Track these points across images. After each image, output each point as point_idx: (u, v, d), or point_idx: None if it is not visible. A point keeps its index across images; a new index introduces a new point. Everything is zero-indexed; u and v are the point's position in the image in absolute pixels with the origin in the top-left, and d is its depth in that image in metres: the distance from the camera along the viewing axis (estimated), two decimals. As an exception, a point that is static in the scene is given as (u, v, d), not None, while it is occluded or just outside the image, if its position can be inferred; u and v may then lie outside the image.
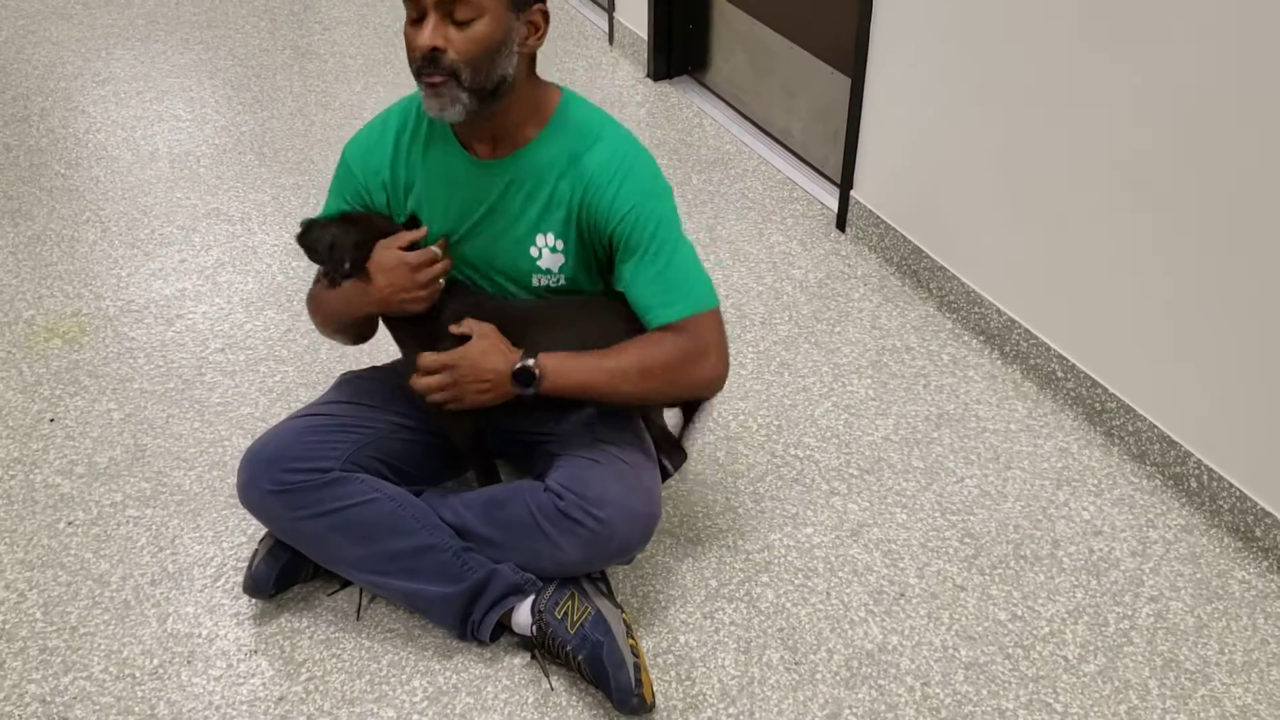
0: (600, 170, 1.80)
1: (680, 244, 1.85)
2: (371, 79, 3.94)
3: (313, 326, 2.07)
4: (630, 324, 1.84)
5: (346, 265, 1.80)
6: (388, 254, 1.81)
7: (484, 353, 1.79)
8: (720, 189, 3.29)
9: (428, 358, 1.81)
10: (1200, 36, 1.97)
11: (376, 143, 1.89)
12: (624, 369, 1.80)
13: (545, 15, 1.75)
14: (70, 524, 2.17)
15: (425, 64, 1.68)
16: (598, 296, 1.91)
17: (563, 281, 1.90)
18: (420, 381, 1.82)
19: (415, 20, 1.69)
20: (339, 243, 1.80)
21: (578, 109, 1.86)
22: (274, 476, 1.86)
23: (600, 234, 1.83)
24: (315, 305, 1.99)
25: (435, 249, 1.83)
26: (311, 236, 1.81)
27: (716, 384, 1.88)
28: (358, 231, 1.82)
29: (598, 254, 1.88)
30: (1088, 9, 2.17)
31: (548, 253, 1.87)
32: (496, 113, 1.77)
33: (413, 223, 1.87)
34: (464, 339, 1.81)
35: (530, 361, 1.77)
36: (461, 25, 1.67)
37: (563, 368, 1.78)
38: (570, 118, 1.84)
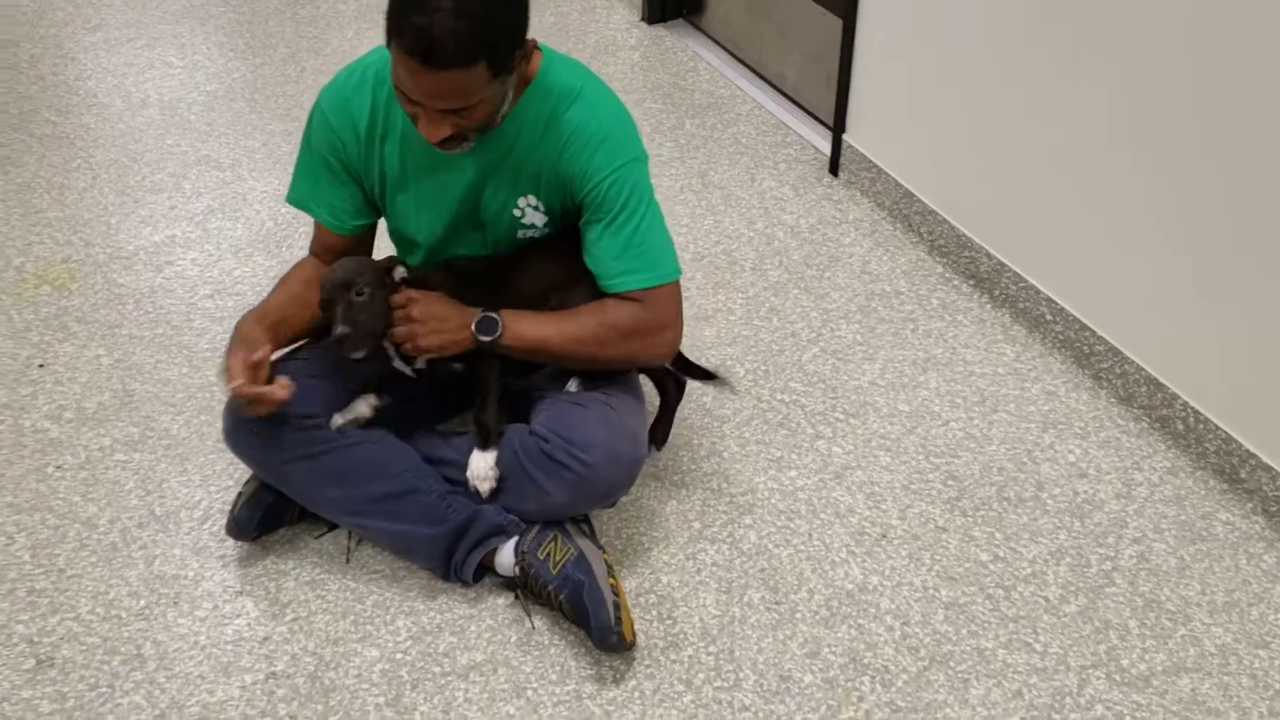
0: (577, 132, 1.79)
1: (650, 213, 1.84)
2: (364, 24, 3.90)
3: None
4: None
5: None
6: (234, 360, 1.75)
7: (439, 300, 1.81)
8: (713, 134, 3.26)
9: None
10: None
11: (355, 91, 1.85)
12: (581, 334, 1.83)
13: (534, 43, 1.72)
14: (59, 468, 2.19)
15: (439, 145, 1.69)
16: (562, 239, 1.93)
17: (549, 233, 1.91)
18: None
19: (409, 101, 1.66)
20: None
21: (559, 70, 1.83)
22: (258, 420, 1.86)
23: (574, 195, 1.84)
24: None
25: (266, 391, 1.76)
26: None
27: (668, 356, 1.93)
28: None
29: (571, 211, 1.88)
30: (1078, -55, 2.14)
31: (530, 211, 1.87)
32: None
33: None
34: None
35: (493, 313, 1.80)
36: (463, 113, 1.65)
37: (523, 323, 1.81)
38: (551, 81, 1.81)
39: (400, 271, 1.82)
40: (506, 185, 1.85)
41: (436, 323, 1.79)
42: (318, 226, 1.97)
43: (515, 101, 1.79)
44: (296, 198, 1.96)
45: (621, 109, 1.85)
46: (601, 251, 1.82)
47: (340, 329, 1.73)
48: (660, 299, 1.84)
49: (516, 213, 1.86)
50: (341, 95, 1.86)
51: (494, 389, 1.86)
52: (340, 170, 1.90)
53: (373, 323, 1.76)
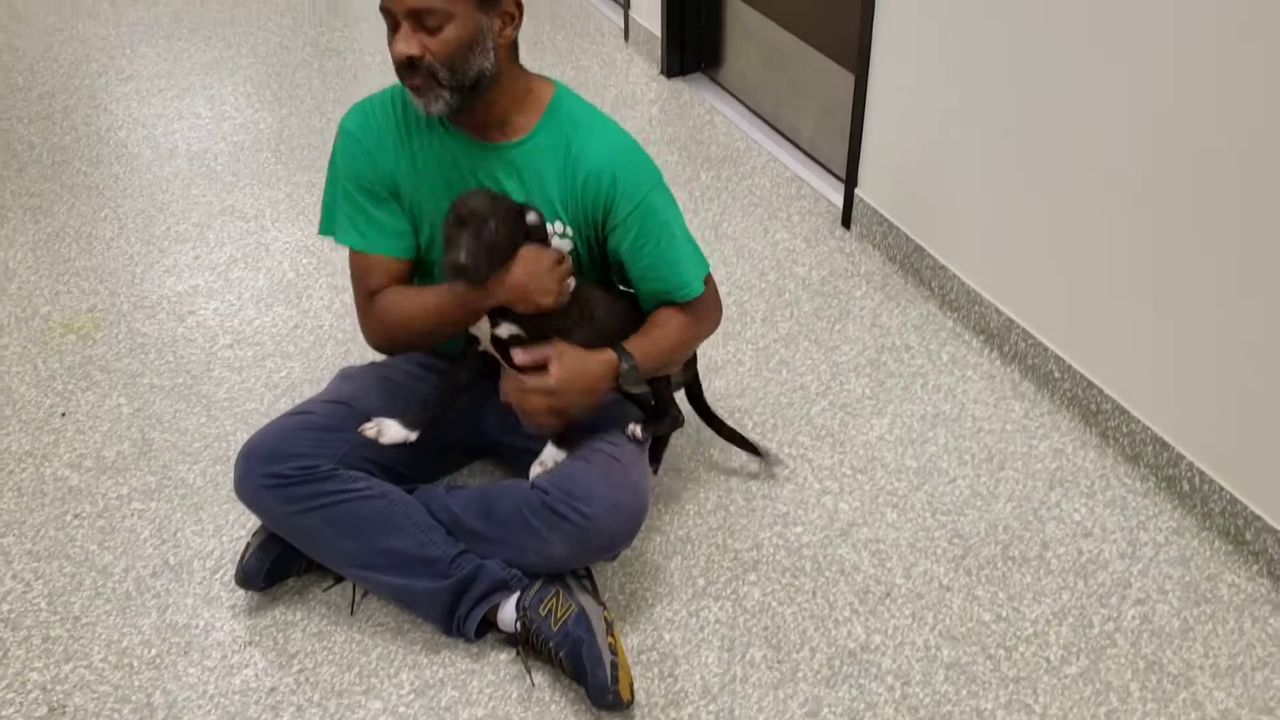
0: (602, 165, 1.87)
1: (679, 221, 1.96)
2: (389, 76, 3.93)
3: (363, 336, 1.99)
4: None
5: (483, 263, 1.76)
6: (529, 249, 1.83)
7: (580, 364, 1.85)
8: (728, 185, 3.30)
9: (525, 384, 1.86)
10: (1198, 43, 1.96)
11: (376, 111, 1.93)
12: (676, 341, 1.98)
13: (519, 5, 1.82)
14: (77, 516, 2.23)
15: (404, 69, 1.77)
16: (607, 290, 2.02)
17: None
18: (530, 408, 1.86)
19: (393, 30, 1.77)
20: (494, 239, 1.76)
21: (570, 103, 1.93)
22: (269, 471, 1.90)
23: (604, 224, 1.91)
24: (395, 310, 1.92)
25: (565, 250, 1.89)
26: (476, 211, 1.75)
27: (716, 328, 2.10)
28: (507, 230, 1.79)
29: (598, 239, 1.95)
30: (1090, 9, 2.17)
31: (557, 239, 1.93)
32: (483, 103, 1.84)
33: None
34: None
35: (630, 363, 1.88)
36: (433, 31, 1.73)
37: (646, 353, 1.92)
38: (564, 110, 1.91)
39: (532, 217, 1.82)
40: (529, 194, 1.90)
41: (582, 395, 1.86)
42: (364, 272, 1.94)
43: (534, 121, 1.88)
44: (352, 239, 1.94)
45: (630, 136, 1.95)
46: (659, 273, 1.93)
47: (463, 257, 1.72)
48: (709, 285, 2.00)
49: None
50: (365, 113, 1.93)
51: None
52: (376, 188, 1.91)
53: (493, 262, 1.77)
